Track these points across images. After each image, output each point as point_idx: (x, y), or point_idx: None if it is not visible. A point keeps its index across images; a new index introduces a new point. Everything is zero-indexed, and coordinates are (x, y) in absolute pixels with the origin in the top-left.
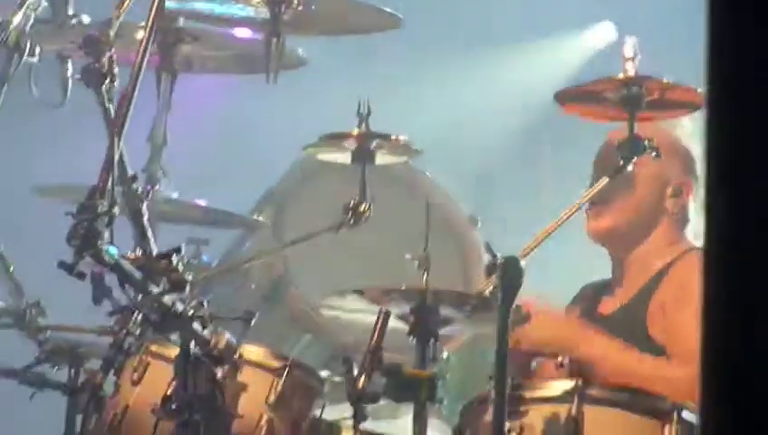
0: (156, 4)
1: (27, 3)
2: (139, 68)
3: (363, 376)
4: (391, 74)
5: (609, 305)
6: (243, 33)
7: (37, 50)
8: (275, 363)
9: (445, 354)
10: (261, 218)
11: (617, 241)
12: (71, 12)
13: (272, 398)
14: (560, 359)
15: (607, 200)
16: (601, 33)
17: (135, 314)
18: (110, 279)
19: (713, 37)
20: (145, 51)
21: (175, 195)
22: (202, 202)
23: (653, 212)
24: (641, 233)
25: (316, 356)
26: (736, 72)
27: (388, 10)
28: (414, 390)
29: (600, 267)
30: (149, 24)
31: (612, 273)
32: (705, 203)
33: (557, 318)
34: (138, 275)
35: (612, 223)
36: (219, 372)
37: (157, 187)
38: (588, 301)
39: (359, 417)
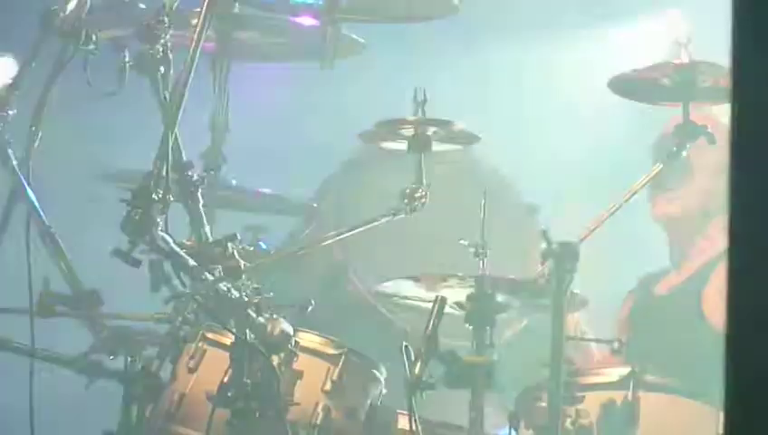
0: None
1: None
2: (194, 55)
3: (420, 363)
4: (449, 61)
5: (665, 286)
6: (301, 20)
7: (93, 38)
8: (332, 351)
9: (503, 341)
10: (321, 206)
11: (681, 226)
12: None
13: (328, 385)
14: (616, 344)
15: (673, 186)
16: (667, 21)
17: (191, 302)
18: (168, 267)
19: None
20: (199, 37)
21: (234, 182)
22: (261, 189)
23: (716, 199)
24: (704, 219)
25: (374, 343)
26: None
27: None
28: (471, 377)
29: (659, 254)
30: (204, 10)
31: (671, 257)
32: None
33: None
34: (193, 262)
35: (679, 208)
36: (275, 360)
37: (215, 173)
38: (645, 286)
39: (415, 404)
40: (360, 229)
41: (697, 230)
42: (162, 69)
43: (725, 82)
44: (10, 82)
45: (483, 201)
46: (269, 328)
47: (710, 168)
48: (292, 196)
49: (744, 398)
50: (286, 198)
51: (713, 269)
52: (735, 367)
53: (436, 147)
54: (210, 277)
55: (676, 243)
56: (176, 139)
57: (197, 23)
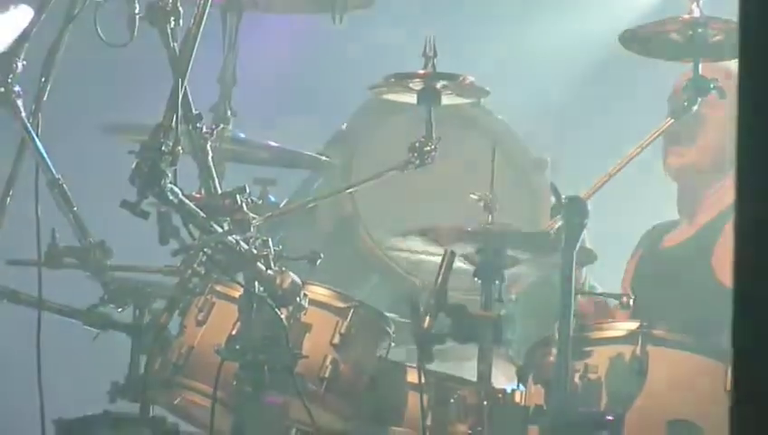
0: None
1: None
2: (204, 6)
3: (428, 317)
4: (460, 15)
5: (674, 238)
6: None
7: None
8: (341, 304)
9: (512, 296)
10: (330, 158)
11: (693, 179)
12: None
13: (336, 339)
14: (624, 299)
15: (687, 139)
16: None
17: (200, 254)
18: (177, 219)
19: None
20: None
21: (242, 135)
22: (270, 142)
23: (729, 153)
24: (717, 173)
25: (383, 297)
26: None
27: None
28: (479, 331)
29: (669, 209)
30: None
31: (682, 209)
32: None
33: None
34: (201, 214)
35: (692, 160)
36: (284, 313)
37: (224, 126)
38: (652, 239)
39: (424, 357)
40: (370, 182)
41: (709, 184)
42: (172, 21)
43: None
44: (20, 33)
45: (493, 155)
46: (278, 281)
47: (722, 122)
48: (301, 149)
49: (752, 353)
50: (295, 151)
51: (723, 223)
52: (743, 322)
53: (446, 100)
54: (219, 230)
55: (687, 196)
56: (185, 91)
57: None
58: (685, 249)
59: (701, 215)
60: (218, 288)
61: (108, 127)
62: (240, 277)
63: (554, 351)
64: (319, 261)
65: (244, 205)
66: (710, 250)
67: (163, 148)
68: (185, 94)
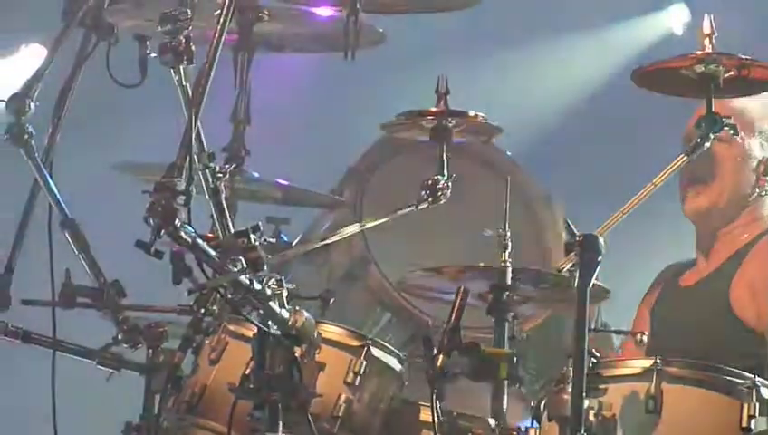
0: None
1: None
2: (216, 46)
3: (441, 355)
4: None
5: (692, 278)
6: (323, 11)
7: (115, 29)
8: (354, 343)
9: (524, 334)
10: (342, 197)
11: (711, 217)
12: None
13: (350, 377)
14: (639, 336)
15: (704, 179)
16: (675, 15)
17: (213, 294)
18: (190, 259)
19: None
20: (222, 29)
21: (256, 174)
22: (283, 181)
23: (748, 190)
24: (735, 211)
25: (396, 335)
26: None
27: None
28: (492, 369)
29: (684, 246)
30: (226, 2)
31: (699, 249)
32: None
33: None
34: (215, 253)
35: (710, 200)
36: (297, 352)
37: (238, 165)
38: (669, 279)
39: (437, 396)
40: (382, 221)
41: (726, 222)
42: (185, 61)
43: (748, 72)
44: (33, 73)
45: (506, 190)
46: (291, 320)
47: (738, 159)
48: (315, 187)
49: None
50: (308, 190)
51: (740, 261)
52: None
53: (458, 137)
54: (232, 269)
55: (705, 235)
56: (198, 131)
57: (220, 14)
58: (703, 288)
59: (718, 253)
60: (231, 327)
61: (120, 166)
62: (254, 316)
63: (568, 388)
64: (332, 300)
65: (257, 244)
66: (727, 288)
67: (177, 187)
68: (198, 133)
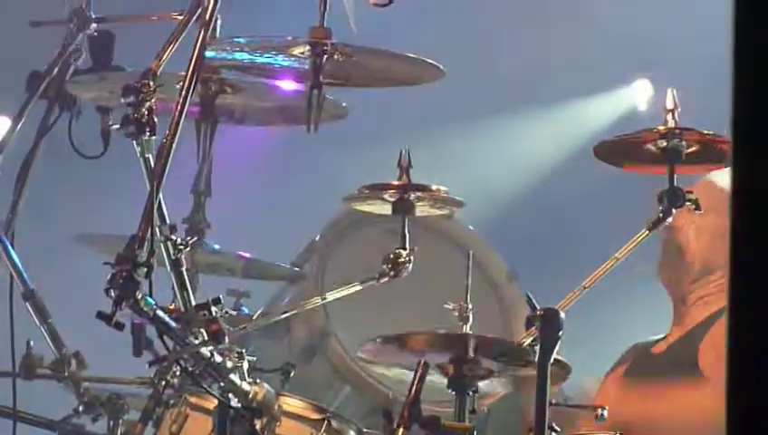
0: (196, 55)
1: (67, 52)
2: (178, 118)
3: (402, 429)
4: (434, 127)
5: (663, 346)
6: (287, 85)
7: (77, 100)
8: (314, 415)
9: (485, 408)
10: (303, 270)
11: (685, 286)
12: (113, 63)
13: None
14: (599, 411)
15: (677, 251)
16: (637, 90)
17: (174, 366)
18: (151, 331)
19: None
20: (184, 101)
21: (217, 246)
22: (244, 253)
23: (717, 259)
24: (706, 276)
25: (357, 408)
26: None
27: (430, 62)
28: None
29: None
30: (189, 74)
31: (673, 316)
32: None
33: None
34: (176, 325)
35: (684, 271)
36: (258, 424)
37: (197, 239)
38: (640, 349)
39: None
40: (343, 293)
41: (696, 289)
42: (147, 132)
43: (710, 147)
44: None
45: (468, 264)
46: (252, 393)
47: (709, 228)
48: (275, 260)
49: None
50: (268, 263)
51: (711, 324)
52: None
53: (420, 211)
54: (193, 342)
55: (677, 300)
56: (159, 202)
57: (182, 87)
58: (672, 353)
59: (689, 318)
60: (192, 400)
61: (81, 238)
62: (214, 389)
63: None
64: (293, 373)
65: (218, 316)
66: (696, 352)
67: (138, 259)
68: (159, 205)
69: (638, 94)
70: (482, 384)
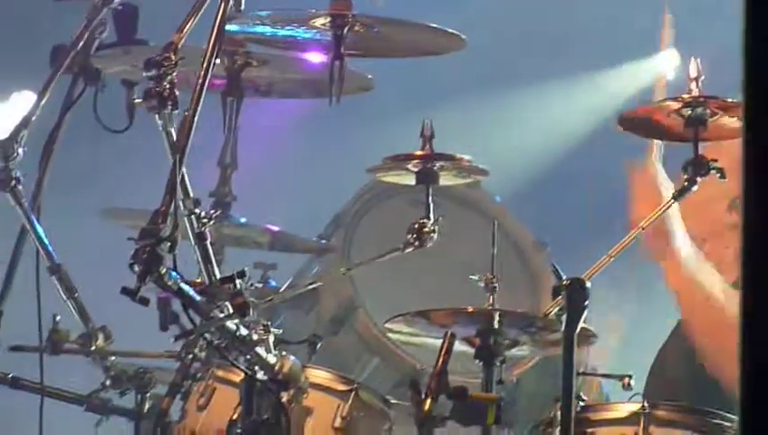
0: (217, 27)
1: (92, 26)
2: (200, 92)
3: (429, 399)
4: (457, 96)
5: None
6: (309, 56)
7: (102, 75)
8: (342, 387)
9: (513, 378)
10: (329, 242)
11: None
12: (137, 37)
13: (338, 422)
14: (626, 380)
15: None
16: (665, 59)
17: (200, 339)
18: (177, 305)
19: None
20: (206, 74)
21: (243, 219)
22: (271, 226)
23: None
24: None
25: (384, 380)
26: None
27: (452, 31)
28: (480, 413)
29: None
30: (210, 47)
31: None
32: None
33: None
34: (200, 299)
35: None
36: (285, 397)
37: (223, 212)
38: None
39: None
40: (369, 264)
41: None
42: (170, 106)
43: (735, 115)
44: (21, 118)
45: (493, 234)
46: (278, 365)
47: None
48: (301, 232)
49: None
50: (295, 236)
51: None
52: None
53: (444, 180)
54: (219, 315)
55: None
56: (183, 176)
57: (204, 59)
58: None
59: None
60: (219, 373)
61: (107, 212)
62: (241, 362)
63: (556, 432)
64: (319, 344)
65: (243, 289)
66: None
67: (161, 233)
68: (182, 179)
69: (665, 63)
70: (510, 354)
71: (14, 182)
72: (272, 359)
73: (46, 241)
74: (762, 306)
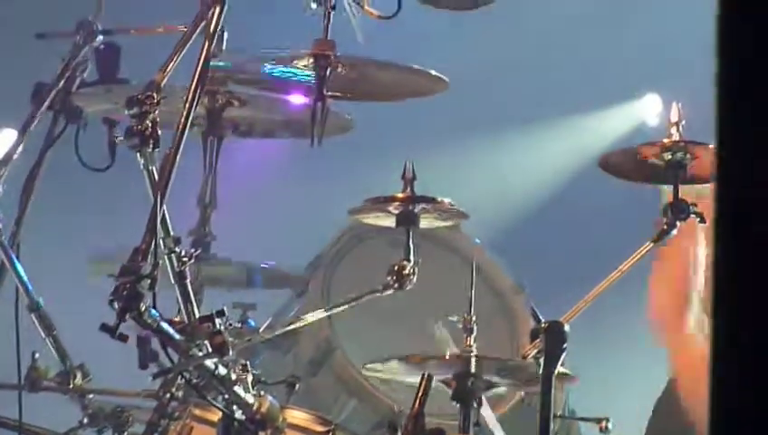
0: (200, 67)
1: (73, 64)
2: (183, 130)
3: None
4: (438, 140)
5: None
6: (291, 97)
7: (83, 113)
8: (319, 428)
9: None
10: (309, 283)
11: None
12: (119, 75)
13: None
14: (603, 423)
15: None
16: (647, 105)
17: (178, 378)
18: (157, 344)
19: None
20: (188, 113)
21: (220, 257)
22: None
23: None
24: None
25: (362, 421)
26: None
27: (435, 74)
28: None
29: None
30: (192, 86)
31: None
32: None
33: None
34: (180, 338)
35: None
36: None
37: (203, 250)
38: None
39: None
40: (348, 306)
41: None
42: (151, 145)
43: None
44: (1, 157)
45: (472, 275)
46: (256, 405)
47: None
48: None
49: None
50: (273, 268)
51: None
52: None
53: (425, 223)
54: (198, 354)
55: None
56: (164, 214)
57: (186, 99)
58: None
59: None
60: (197, 412)
61: (91, 258)
62: (219, 401)
63: None
64: (298, 385)
65: (222, 329)
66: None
67: (142, 271)
68: (163, 217)
69: (647, 109)
70: (488, 395)
71: None
72: (250, 399)
73: (25, 279)
74: (732, 342)
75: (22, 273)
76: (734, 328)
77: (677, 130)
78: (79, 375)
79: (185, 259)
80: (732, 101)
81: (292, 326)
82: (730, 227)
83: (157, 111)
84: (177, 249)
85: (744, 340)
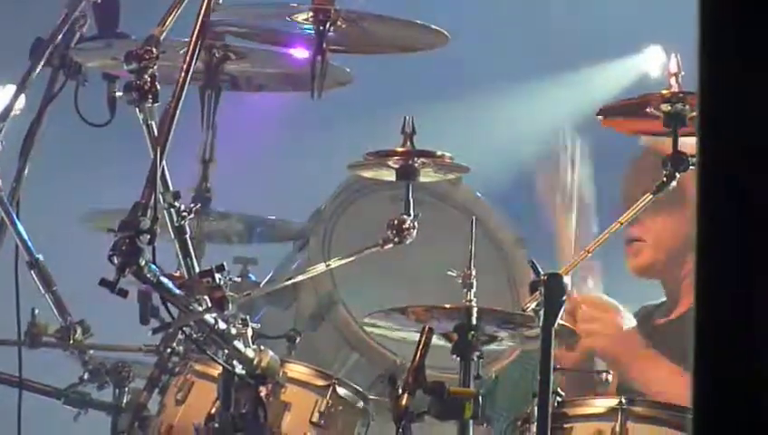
0: (200, 20)
1: (72, 19)
2: (182, 85)
3: (406, 395)
4: (438, 93)
5: (662, 319)
6: (297, 53)
7: (82, 68)
8: (320, 382)
9: (492, 373)
10: (310, 237)
11: (662, 273)
12: (118, 30)
13: (315, 416)
14: (604, 375)
15: (642, 236)
16: (650, 57)
17: (179, 333)
18: (157, 299)
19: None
20: (188, 68)
21: (221, 211)
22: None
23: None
24: (684, 257)
25: (364, 375)
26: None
27: (435, 27)
28: (457, 408)
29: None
30: (192, 40)
31: (666, 296)
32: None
33: (620, 330)
34: (180, 293)
35: (651, 259)
36: (263, 391)
37: (204, 205)
38: (641, 319)
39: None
40: (348, 260)
41: (681, 265)
42: (150, 99)
43: None
44: (0, 112)
45: (472, 229)
46: (257, 360)
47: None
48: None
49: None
50: (276, 219)
51: None
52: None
53: (424, 177)
54: (198, 309)
55: (666, 283)
56: (163, 169)
57: (186, 53)
58: (671, 330)
59: (686, 298)
60: (197, 367)
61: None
62: (219, 356)
63: (533, 428)
64: (298, 339)
65: (222, 283)
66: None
67: (141, 225)
68: (163, 172)
69: (650, 61)
70: (488, 348)
71: None
72: (250, 353)
73: (25, 235)
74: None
75: (21, 229)
76: (717, 280)
77: (677, 81)
78: (79, 331)
79: (184, 214)
80: (716, 57)
81: (291, 280)
82: (712, 179)
83: (156, 66)
84: (176, 204)
85: (729, 286)
